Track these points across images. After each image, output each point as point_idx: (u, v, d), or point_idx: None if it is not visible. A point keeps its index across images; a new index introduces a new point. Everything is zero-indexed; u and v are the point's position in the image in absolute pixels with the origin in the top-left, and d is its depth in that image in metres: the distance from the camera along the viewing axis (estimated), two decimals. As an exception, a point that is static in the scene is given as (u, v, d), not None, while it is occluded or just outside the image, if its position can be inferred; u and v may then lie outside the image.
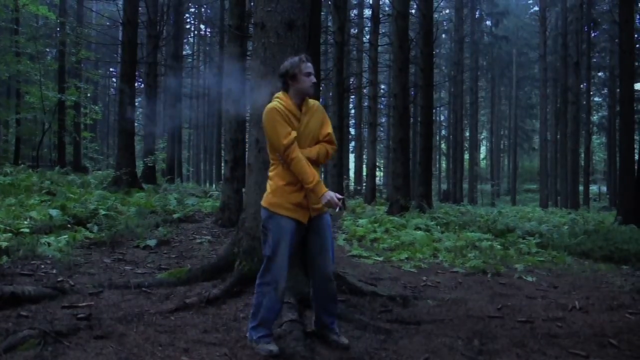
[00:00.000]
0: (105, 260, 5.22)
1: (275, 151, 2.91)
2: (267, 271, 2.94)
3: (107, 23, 20.90)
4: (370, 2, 21.17)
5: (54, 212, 6.61)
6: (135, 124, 16.41)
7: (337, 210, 2.92)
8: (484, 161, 53.64)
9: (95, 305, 3.57)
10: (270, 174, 3.01)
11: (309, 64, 2.97)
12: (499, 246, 7.34)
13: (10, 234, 5.38)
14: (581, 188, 27.22)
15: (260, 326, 2.93)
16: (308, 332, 3.23)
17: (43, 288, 3.69)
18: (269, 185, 3.00)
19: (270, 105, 2.93)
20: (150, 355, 2.79)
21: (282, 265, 2.91)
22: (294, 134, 2.86)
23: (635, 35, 18.36)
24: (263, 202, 3.00)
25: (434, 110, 18.30)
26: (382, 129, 33.44)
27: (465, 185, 36.10)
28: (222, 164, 16.18)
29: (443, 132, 45.31)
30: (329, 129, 3.05)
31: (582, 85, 27.81)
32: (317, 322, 3.18)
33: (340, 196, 2.90)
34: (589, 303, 4.46)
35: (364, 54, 24.35)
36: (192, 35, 40.25)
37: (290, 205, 2.91)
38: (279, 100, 2.96)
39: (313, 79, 2.96)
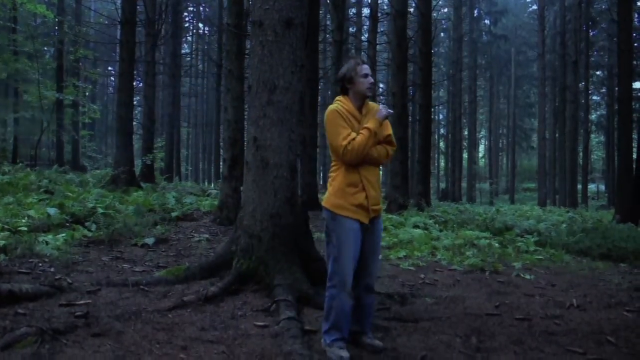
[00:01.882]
0: (103, 258, 5.21)
1: (335, 152, 2.90)
2: (334, 273, 2.89)
3: (106, 22, 20.88)
4: (369, 0, 21.17)
5: (52, 211, 6.61)
6: (134, 123, 16.40)
7: (387, 112, 2.99)
8: (483, 160, 53.67)
9: (93, 303, 3.56)
10: (332, 174, 2.99)
11: (365, 66, 2.98)
12: (497, 244, 7.34)
13: (8, 232, 5.37)
14: (579, 186, 27.27)
15: (333, 330, 2.88)
16: (306, 330, 3.24)
17: (41, 286, 3.68)
18: (331, 185, 2.96)
19: (331, 106, 2.95)
20: (148, 352, 2.79)
21: (347, 266, 2.86)
22: (353, 134, 2.86)
23: (634, 34, 18.37)
24: (325, 203, 2.96)
25: (432, 109, 18.28)
26: (380, 127, 33.38)
27: (464, 184, 36.15)
28: (221, 163, 16.17)
29: (442, 130, 45.35)
30: (389, 130, 3.04)
31: (580, 84, 27.84)
32: (354, 327, 3.07)
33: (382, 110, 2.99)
34: (586, 301, 4.47)
35: (363, 53, 24.33)
36: (190, 34, 40.20)
37: (352, 206, 2.88)
38: (340, 103, 2.97)
39: (371, 79, 2.96)
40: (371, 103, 3.07)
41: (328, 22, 21.36)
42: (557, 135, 30.02)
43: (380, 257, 3.04)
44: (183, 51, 32.64)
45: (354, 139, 2.83)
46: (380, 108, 2.99)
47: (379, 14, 21.18)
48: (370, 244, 2.98)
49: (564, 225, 9.90)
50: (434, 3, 15.29)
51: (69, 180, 11.62)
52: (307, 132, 10.93)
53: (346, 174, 2.89)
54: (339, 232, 2.87)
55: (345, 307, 2.87)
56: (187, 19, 36.58)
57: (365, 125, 2.89)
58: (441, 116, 45.79)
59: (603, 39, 31.29)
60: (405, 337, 3.28)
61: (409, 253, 6.62)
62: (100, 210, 7.13)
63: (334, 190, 2.92)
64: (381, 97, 29.67)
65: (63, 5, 20.69)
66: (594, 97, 38.37)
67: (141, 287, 4.03)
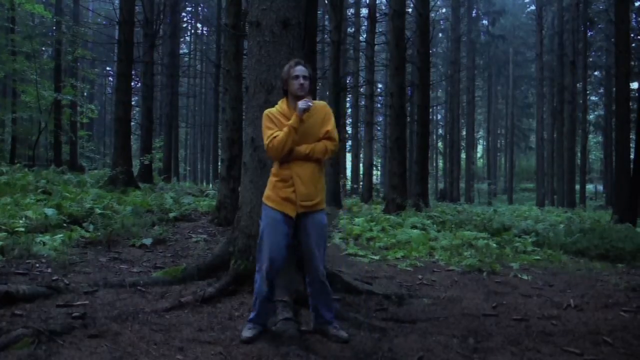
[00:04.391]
0: (100, 259, 5.21)
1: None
2: (257, 259, 3.18)
3: (104, 22, 20.84)
4: (367, 1, 21.17)
5: (49, 211, 6.59)
6: (132, 123, 16.39)
7: (305, 105, 3.01)
8: (481, 160, 53.74)
9: (90, 304, 3.56)
10: (272, 169, 3.23)
11: (298, 67, 3.16)
12: (494, 245, 7.34)
13: (5, 233, 5.36)
14: (577, 187, 27.29)
15: (253, 309, 3.18)
16: (303, 331, 3.24)
17: (38, 287, 3.68)
18: (269, 180, 3.23)
19: (265, 110, 3.24)
20: (145, 354, 2.78)
21: (266, 253, 3.07)
22: (277, 133, 3.06)
23: (631, 35, 18.41)
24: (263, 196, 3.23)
25: (430, 109, 18.30)
26: (378, 127, 33.49)
27: (462, 184, 36.16)
28: (219, 163, 16.18)
29: (440, 131, 45.39)
30: (328, 126, 3.19)
31: (578, 84, 27.85)
32: (317, 318, 3.26)
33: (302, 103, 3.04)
34: (584, 301, 4.48)
35: (361, 53, 24.33)
36: (188, 34, 40.17)
37: (278, 198, 3.10)
38: (277, 105, 3.25)
39: (301, 80, 3.15)
40: (316, 102, 3.21)
41: (326, 23, 21.37)
42: (555, 135, 30.07)
43: (323, 251, 3.18)
44: (181, 51, 32.60)
45: (275, 137, 3.03)
46: (298, 103, 3.08)
47: (377, 15, 21.18)
48: (308, 239, 3.13)
49: (562, 225, 9.91)
50: (432, 3, 15.31)
51: (67, 181, 11.59)
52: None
53: (279, 170, 3.14)
54: (263, 220, 3.14)
55: (260, 290, 3.11)
56: (185, 19, 36.56)
57: (286, 123, 3.07)
58: (439, 116, 45.83)
59: (601, 40, 31.34)
60: (403, 338, 3.29)
61: (407, 253, 6.63)
62: (98, 211, 7.12)
63: (268, 183, 3.20)
64: (379, 97, 29.68)
65: (61, 5, 20.65)
66: (592, 98, 38.40)
67: (138, 288, 4.02)
